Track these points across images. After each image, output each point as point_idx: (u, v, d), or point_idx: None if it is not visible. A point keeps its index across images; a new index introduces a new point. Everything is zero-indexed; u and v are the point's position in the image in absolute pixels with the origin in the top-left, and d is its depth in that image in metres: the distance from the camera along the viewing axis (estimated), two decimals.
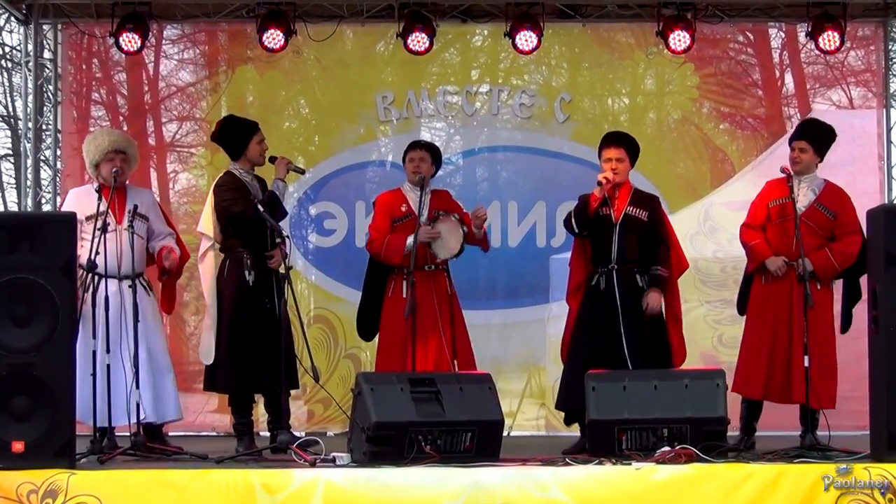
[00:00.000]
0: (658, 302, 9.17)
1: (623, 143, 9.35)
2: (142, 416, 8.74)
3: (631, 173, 9.51)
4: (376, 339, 9.69)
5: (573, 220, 9.25)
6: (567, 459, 7.70)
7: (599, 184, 9.15)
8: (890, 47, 12.39)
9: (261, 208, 9.04)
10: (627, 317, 9.07)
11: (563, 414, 9.59)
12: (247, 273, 9.23)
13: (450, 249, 9.40)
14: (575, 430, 9.37)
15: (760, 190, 9.50)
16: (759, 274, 9.30)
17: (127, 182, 9.35)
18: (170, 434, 10.07)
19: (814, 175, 9.32)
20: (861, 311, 8.34)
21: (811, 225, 9.08)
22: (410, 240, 9.24)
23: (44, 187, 11.95)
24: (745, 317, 9.42)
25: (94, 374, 8.51)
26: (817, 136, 9.42)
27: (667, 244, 9.34)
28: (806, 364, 8.56)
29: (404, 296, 9.20)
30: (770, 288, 9.21)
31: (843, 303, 9.33)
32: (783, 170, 9.10)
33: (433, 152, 9.71)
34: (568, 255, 9.65)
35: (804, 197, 9.21)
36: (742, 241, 9.40)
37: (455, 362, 9.31)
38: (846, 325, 9.25)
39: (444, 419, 7.80)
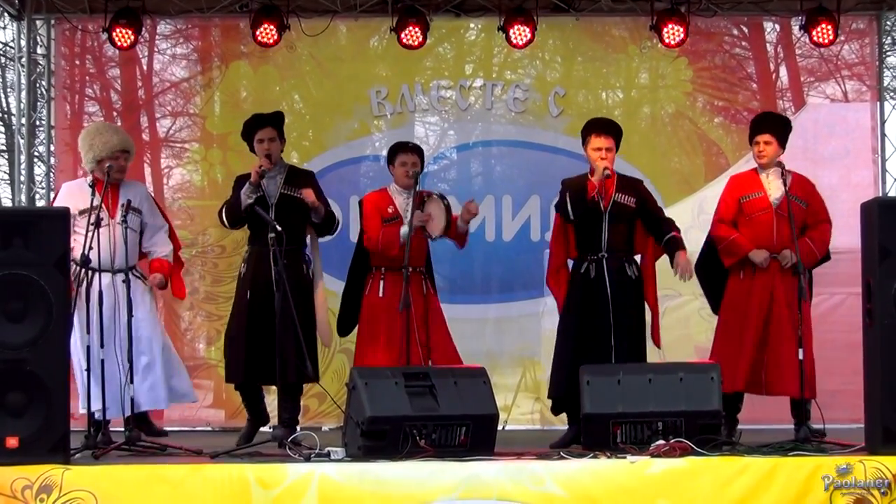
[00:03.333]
0: (689, 263, 9.12)
1: (612, 132, 9.32)
2: (139, 408, 8.80)
3: (626, 167, 9.52)
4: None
5: (569, 206, 9.21)
6: (562, 453, 7.70)
7: (606, 175, 9.11)
8: (884, 40, 12.40)
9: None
10: (616, 306, 9.06)
11: None
12: (242, 265, 9.45)
13: (440, 227, 9.41)
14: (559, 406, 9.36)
15: (726, 185, 9.51)
16: (736, 269, 9.30)
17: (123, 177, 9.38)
18: (165, 429, 10.09)
19: (778, 166, 9.28)
20: (856, 305, 8.34)
21: (786, 216, 9.07)
22: (404, 230, 9.25)
23: (37, 183, 11.94)
24: (721, 308, 9.43)
25: (87, 369, 8.52)
26: (779, 128, 9.42)
27: (664, 216, 9.35)
28: (800, 357, 8.57)
29: (381, 295, 9.35)
30: (753, 281, 9.21)
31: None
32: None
33: (421, 155, 9.74)
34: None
35: (776, 189, 9.21)
36: (717, 236, 9.37)
37: (430, 362, 9.26)
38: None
39: (438, 413, 7.80)
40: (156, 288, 9.40)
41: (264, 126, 9.48)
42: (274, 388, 9.46)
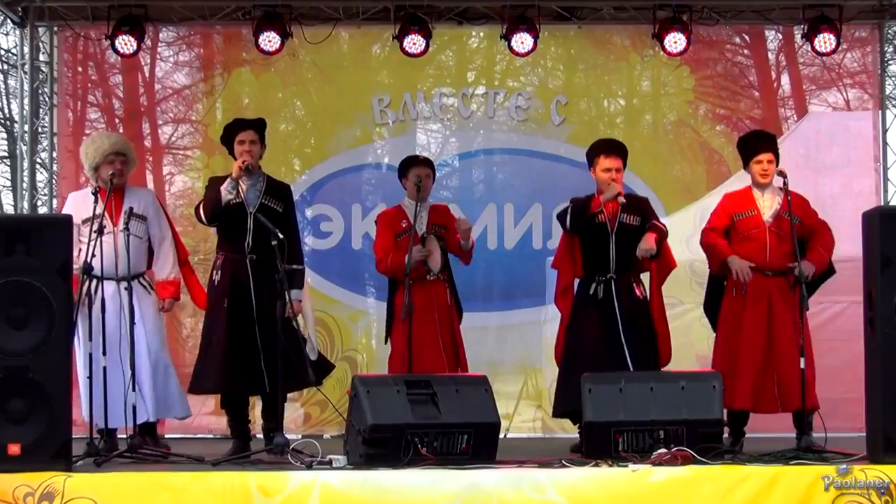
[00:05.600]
0: (650, 243, 9.14)
1: (622, 153, 9.35)
2: (141, 417, 8.76)
3: (627, 176, 9.54)
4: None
5: (568, 217, 9.26)
6: (563, 461, 7.70)
7: (621, 202, 9.14)
8: (886, 49, 12.40)
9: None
10: (627, 326, 9.06)
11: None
12: (214, 272, 9.27)
13: (438, 262, 9.51)
14: (571, 432, 9.37)
15: (720, 200, 9.48)
16: (730, 287, 9.27)
17: (125, 183, 9.35)
18: (166, 436, 10.09)
19: (773, 185, 9.29)
20: (857, 314, 8.34)
21: (780, 233, 9.09)
22: (407, 259, 9.30)
23: (40, 190, 11.95)
24: (718, 328, 9.42)
25: (90, 377, 8.51)
26: (776, 146, 9.43)
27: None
28: (802, 366, 8.57)
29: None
30: (746, 299, 9.18)
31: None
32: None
33: (433, 167, 9.83)
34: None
35: (769, 207, 9.21)
36: (703, 242, 9.36)
37: (458, 370, 9.37)
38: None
39: (440, 421, 7.81)
40: (164, 310, 9.39)
41: (246, 128, 9.37)
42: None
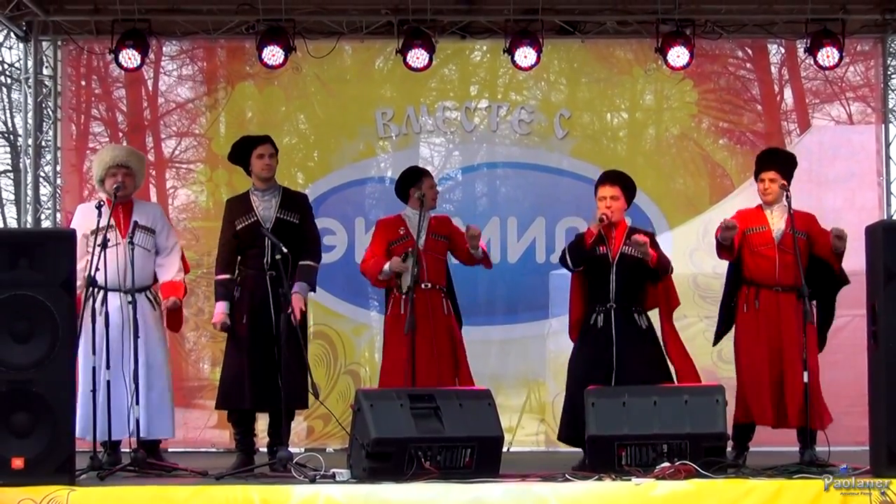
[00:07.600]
0: (641, 242, 9.03)
1: (618, 181, 9.29)
2: (141, 433, 8.74)
3: None
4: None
5: (567, 256, 9.22)
6: (566, 475, 7.69)
7: (601, 220, 9.12)
8: (889, 62, 12.41)
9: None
10: (621, 354, 9.00)
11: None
12: (234, 290, 9.27)
13: (407, 284, 9.24)
14: (574, 446, 9.36)
15: (731, 217, 9.46)
16: (741, 303, 9.28)
17: (133, 196, 9.33)
18: (169, 450, 10.08)
19: (782, 202, 9.27)
20: (861, 327, 8.34)
21: (788, 251, 9.08)
22: (387, 267, 9.27)
23: (43, 203, 11.95)
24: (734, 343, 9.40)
25: (94, 391, 8.50)
26: (784, 165, 9.39)
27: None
28: (805, 380, 8.56)
29: (402, 311, 9.23)
30: (757, 314, 9.18)
31: (818, 323, 9.31)
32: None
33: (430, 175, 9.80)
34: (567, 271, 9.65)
35: (778, 225, 9.21)
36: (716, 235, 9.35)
37: (457, 380, 9.33)
38: (821, 344, 9.28)
39: (443, 435, 7.80)
40: (167, 310, 9.30)
41: (264, 142, 9.39)
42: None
